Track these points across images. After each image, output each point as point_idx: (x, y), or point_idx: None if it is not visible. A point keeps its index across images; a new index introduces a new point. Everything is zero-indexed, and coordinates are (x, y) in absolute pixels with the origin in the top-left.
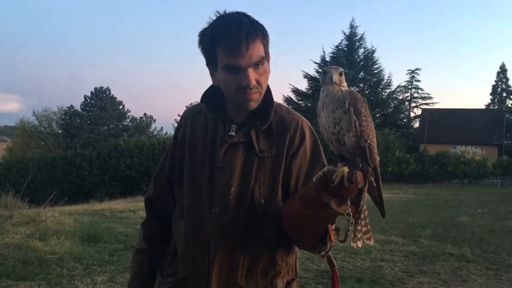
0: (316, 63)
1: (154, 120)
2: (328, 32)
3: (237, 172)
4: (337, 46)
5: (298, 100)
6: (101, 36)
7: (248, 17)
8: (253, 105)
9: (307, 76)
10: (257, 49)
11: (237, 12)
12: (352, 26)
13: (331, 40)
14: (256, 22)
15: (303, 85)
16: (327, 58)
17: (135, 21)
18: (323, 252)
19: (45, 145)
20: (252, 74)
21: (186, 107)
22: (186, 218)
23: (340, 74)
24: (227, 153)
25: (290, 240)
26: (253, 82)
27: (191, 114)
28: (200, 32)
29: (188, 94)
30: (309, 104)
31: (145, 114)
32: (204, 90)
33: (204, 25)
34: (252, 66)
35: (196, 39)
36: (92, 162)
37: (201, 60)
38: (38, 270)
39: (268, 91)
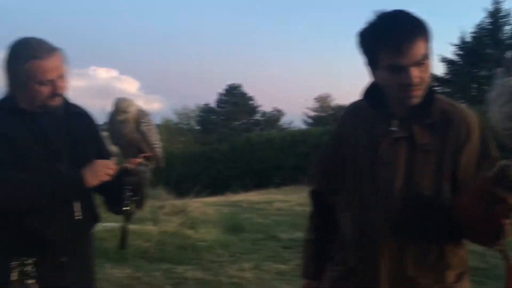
0: (456, 45)
1: (284, 114)
2: (466, 11)
3: (401, 167)
4: (478, 25)
5: (434, 86)
6: (233, 36)
7: (409, 14)
8: (416, 101)
9: (444, 60)
10: (420, 47)
11: (398, 10)
12: (496, 2)
13: (469, 19)
14: (418, 19)
15: (439, 70)
16: (468, 39)
17: (265, 19)
18: (497, 247)
19: (185, 141)
20: (414, 72)
21: (314, 99)
22: (351, 210)
23: None
24: (390, 148)
25: (460, 233)
26: (416, 80)
27: (351, 111)
28: (358, 32)
29: (315, 87)
30: (449, 90)
31: (275, 108)
32: (364, 87)
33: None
34: (415, 64)
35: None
36: (227, 156)
37: (328, 54)
38: (191, 256)
39: (430, 85)
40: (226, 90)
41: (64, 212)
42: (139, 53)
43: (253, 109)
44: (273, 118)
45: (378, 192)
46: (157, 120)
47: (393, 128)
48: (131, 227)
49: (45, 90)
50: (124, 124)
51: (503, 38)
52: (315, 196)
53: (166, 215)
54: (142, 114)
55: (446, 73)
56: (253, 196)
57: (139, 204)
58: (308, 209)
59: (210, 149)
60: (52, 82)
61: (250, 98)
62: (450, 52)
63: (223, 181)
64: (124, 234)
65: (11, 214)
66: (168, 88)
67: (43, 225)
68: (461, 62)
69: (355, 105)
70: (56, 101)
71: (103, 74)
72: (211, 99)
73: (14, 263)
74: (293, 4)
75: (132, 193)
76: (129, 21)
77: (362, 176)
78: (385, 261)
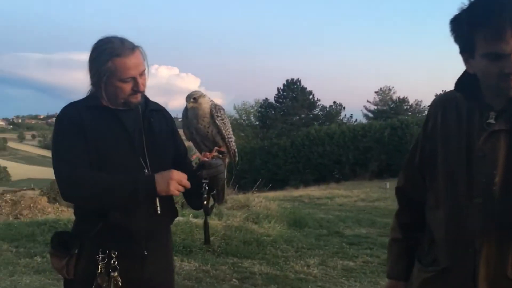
0: None
1: (344, 108)
2: None
3: (500, 161)
4: None
5: None
6: (293, 31)
7: None
8: None
9: None
10: None
11: None
12: None
13: None
14: None
15: None
16: None
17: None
18: None
19: (245, 136)
20: None
21: (375, 92)
22: (444, 208)
23: None
24: (487, 141)
25: None
26: None
27: (442, 104)
28: (452, 18)
29: (375, 80)
30: None
31: (334, 102)
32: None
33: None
34: None
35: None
36: (287, 151)
37: (388, 46)
38: (256, 250)
39: None
40: (285, 85)
41: (147, 207)
42: (199, 50)
43: (312, 104)
44: (333, 112)
45: (474, 189)
46: None
47: (490, 121)
48: (196, 220)
49: (127, 87)
50: (199, 118)
51: None
52: (402, 193)
53: (229, 209)
54: (216, 108)
55: None
56: (314, 191)
57: (219, 199)
58: (369, 204)
59: (270, 144)
60: (133, 79)
61: (310, 93)
62: None
63: (283, 176)
64: (206, 228)
65: (96, 209)
66: (229, 84)
67: (127, 219)
68: None
69: (444, 97)
70: (137, 98)
71: (165, 72)
72: (271, 94)
73: (99, 256)
74: None
75: (210, 187)
76: (188, 20)
77: (456, 172)
78: (484, 262)
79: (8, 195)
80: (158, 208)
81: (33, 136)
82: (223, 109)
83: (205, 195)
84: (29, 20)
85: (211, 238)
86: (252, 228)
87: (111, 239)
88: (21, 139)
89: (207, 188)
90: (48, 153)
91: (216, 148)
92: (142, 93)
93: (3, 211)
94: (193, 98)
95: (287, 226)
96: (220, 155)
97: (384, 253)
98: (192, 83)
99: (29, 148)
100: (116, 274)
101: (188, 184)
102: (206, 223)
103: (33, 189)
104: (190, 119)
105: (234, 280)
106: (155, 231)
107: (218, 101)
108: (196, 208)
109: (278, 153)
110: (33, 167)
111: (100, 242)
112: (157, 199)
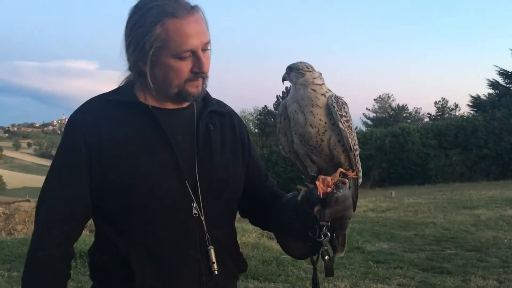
0: None
1: None
2: None
3: None
4: None
5: (507, 83)
6: (288, 37)
7: None
8: None
9: None
10: None
11: None
12: None
13: None
14: None
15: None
16: None
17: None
18: None
19: None
20: None
21: (374, 100)
22: None
23: None
24: None
25: None
26: None
27: None
28: None
29: (370, 87)
30: None
31: None
32: None
33: None
34: None
35: None
36: (287, 159)
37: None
38: (277, 271)
39: None
40: (284, 92)
41: (194, 263)
42: None
43: None
44: None
45: None
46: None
47: None
48: None
49: (185, 67)
50: (309, 114)
51: None
52: None
53: (238, 222)
54: (339, 102)
55: None
56: None
57: (339, 245)
58: (381, 215)
59: (269, 152)
60: (194, 55)
61: None
62: None
63: (283, 184)
64: None
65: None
66: (227, 91)
67: (163, 283)
68: None
69: None
70: (199, 87)
71: None
72: (270, 102)
73: None
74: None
75: (332, 232)
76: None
77: None
78: None
79: (0, 208)
80: (215, 266)
81: (29, 144)
82: (347, 104)
83: (325, 246)
84: (25, 30)
85: None
86: (270, 245)
87: None
88: (17, 147)
89: (328, 234)
90: (44, 161)
91: (340, 170)
92: (206, 77)
93: None
94: (301, 72)
95: None
96: (345, 180)
97: (416, 273)
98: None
99: (25, 156)
100: None
101: None
102: (315, 282)
103: (28, 200)
104: (292, 113)
105: None
106: None
107: None
108: (300, 257)
109: (277, 161)
110: (28, 176)
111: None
112: (212, 251)
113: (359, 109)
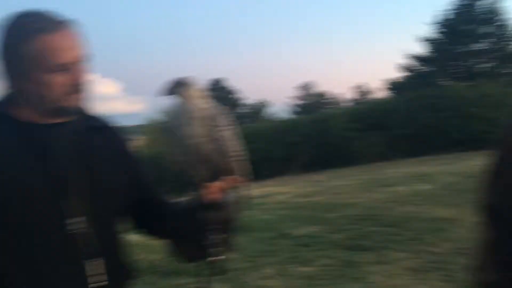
0: (434, 23)
1: (268, 105)
2: None
3: None
4: (454, 2)
5: (422, 65)
6: (213, 29)
7: None
8: None
9: (426, 39)
10: None
11: None
12: None
13: None
14: None
15: (421, 50)
16: (442, 18)
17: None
18: None
19: None
20: None
21: (298, 87)
22: None
23: None
24: None
25: None
26: None
27: None
28: None
29: (294, 75)
30: (435, 68)
31: (257, 99)
32: None
33: None
34: None
35: None
36: None
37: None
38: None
39: None
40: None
41: (70, 275)
42: (119, 54)
43: (234, 102)
44: (258, 109)
45: None
46: (141, 121)
47: None
48: (133, 238)
49: (60, 80)
50: (192, 127)
51: (476, 14)
52: (496, 214)
53: None
54: (216, 113)
55: (432, 52)
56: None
57: (227, 249)
58: (309, 199)
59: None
60: (69, 68)
61: (230, 92)
62: (426, 32)
63: None
64: None
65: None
66: (152, 88)
67: None
68: (444, 40)
69: None
70: (76, 100)
71: None
72: None
73: None
74: None
75: (217, 236)
76: (107, 22)
77: None
78: None
79: None
80: (99, 278)
81: None
82: (229, 112)
83: (213, 248)
84: None
85: (154, 258)
86: None
87: None
88: None
89: (214, 237)
90: None
91: (228, 176)
92: (84, 92)
93: None
94: (178, 86)
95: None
96: (231, 186)
97: (341, 253)
98: (112, 89)
99: None
100: None
101: None
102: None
103: None
104: (171, 126)
105: None
106: None
107: (142, 106)
108: (193, 261)
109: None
110: None
111: None
112: (95, 264)
113: (284, 98)
